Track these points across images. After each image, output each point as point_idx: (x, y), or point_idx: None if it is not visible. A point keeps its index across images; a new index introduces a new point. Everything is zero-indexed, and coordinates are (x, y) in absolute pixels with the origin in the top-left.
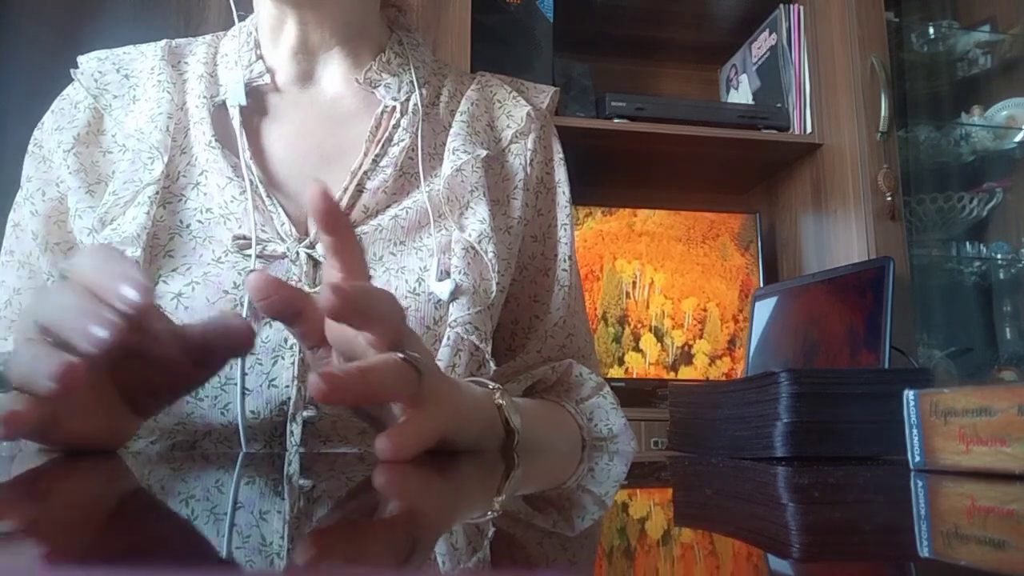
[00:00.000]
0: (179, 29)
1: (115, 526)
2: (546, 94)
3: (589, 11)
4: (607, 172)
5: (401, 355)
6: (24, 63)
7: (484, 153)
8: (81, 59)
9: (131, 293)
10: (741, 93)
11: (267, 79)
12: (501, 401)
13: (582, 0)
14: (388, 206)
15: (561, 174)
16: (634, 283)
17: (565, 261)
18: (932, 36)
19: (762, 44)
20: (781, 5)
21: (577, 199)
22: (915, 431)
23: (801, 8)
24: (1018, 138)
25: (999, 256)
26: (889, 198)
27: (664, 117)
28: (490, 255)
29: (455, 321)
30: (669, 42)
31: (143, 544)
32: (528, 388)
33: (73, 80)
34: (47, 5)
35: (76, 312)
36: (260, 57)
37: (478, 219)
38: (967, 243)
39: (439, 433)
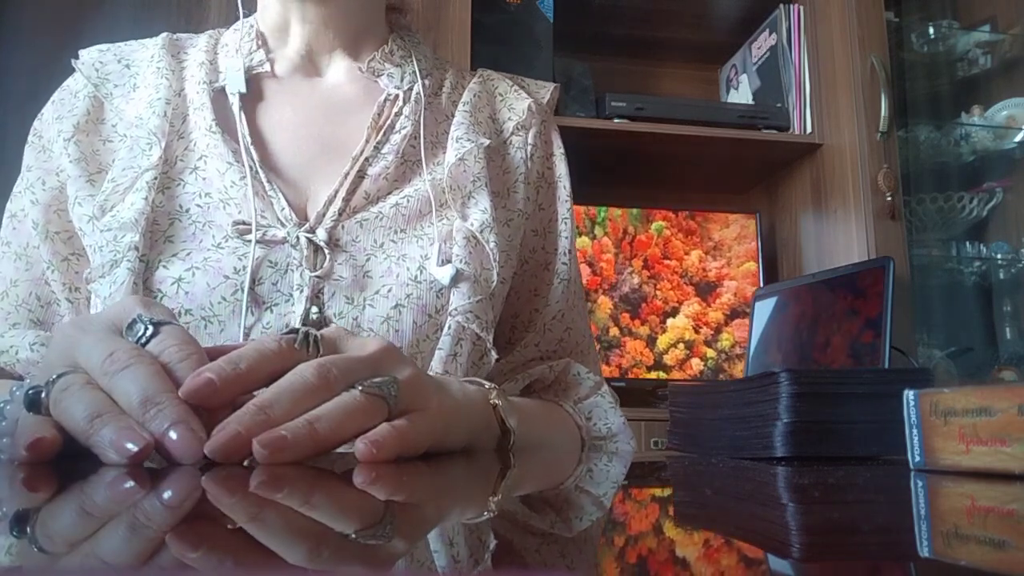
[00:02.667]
0: (180, 29)
1: (114, 525)
2: (547, 89)
3: (589, 11)
4: (607, 172)
5: (360, 388)
6: (24, 62)
7: (487, 142)
8: (82, 52)
9: (186, 453)
10: (741, 93)
11: (268, 67)
12: (497, 401)
13: (582, 0)
14: (389, 193)
15: (562, 168)
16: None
17: (565, 255)
18: (932, 36)
19: (762, 44)
20: (781, 5)
21: (577, 199)
22: (915, 431)
23: (801, 8)
24: (1018, 138)
25: (999, 256)
26: (889, 198)
27: (664, 117)
28: (491, 245)
29: (455, 309)
30: (669, 42)
31: (154, 542)
32: (525, 387)
33: (73, 72)
34: (47, 4)
35: (117, 416)
36: (261, 46)
37: (480, 209)
38: (967, 243)
39: (425, 440)
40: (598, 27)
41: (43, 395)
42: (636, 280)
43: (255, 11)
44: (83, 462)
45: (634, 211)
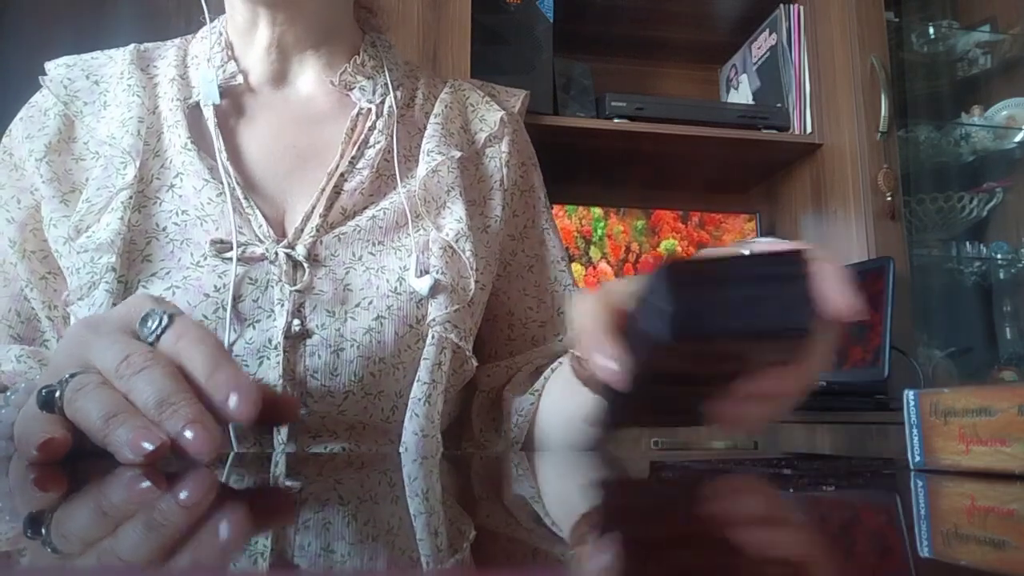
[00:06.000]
0: (179, 29)
1: (110, 529)
2: (517, 97)
3: (589, 11)
4: (606, 172)
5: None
6: (22, 62)
7: (458, 154)
8: (48, 65)
9: (203, 447)
10: (741, 93)
11: (240, 80)
12: None
13: (582, 0)
14: (365, 207)
15: (536, 178)
16: None
17: (561, 262)
18: (932, 36)
19: (762, 44)
20: (781, 5)
21: (575, 199)
22: (915, 431)
23: (801, 8)
24: (1018, 138)
25: (999, 256)
26: (889, 198)
27: (664, 117)
28: (468, 253)
29: (434, 320)
30: (669, 42)
31: (142, 550)
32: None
33: (41, 87)
34: (47, 4)
35: (130, 414)
36: (232, 58)
37: (455, 219)
38: (967, 243)
39: None
40: (598, 27)
41: (57, 394)
42: None
43: (221, 13)
44: (95, 462)
45: (639, 224)
